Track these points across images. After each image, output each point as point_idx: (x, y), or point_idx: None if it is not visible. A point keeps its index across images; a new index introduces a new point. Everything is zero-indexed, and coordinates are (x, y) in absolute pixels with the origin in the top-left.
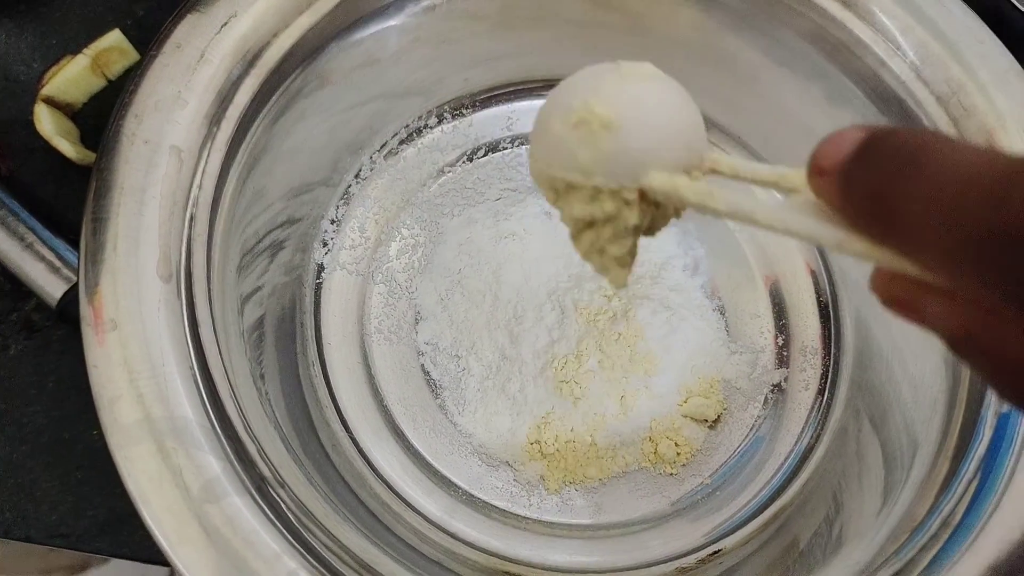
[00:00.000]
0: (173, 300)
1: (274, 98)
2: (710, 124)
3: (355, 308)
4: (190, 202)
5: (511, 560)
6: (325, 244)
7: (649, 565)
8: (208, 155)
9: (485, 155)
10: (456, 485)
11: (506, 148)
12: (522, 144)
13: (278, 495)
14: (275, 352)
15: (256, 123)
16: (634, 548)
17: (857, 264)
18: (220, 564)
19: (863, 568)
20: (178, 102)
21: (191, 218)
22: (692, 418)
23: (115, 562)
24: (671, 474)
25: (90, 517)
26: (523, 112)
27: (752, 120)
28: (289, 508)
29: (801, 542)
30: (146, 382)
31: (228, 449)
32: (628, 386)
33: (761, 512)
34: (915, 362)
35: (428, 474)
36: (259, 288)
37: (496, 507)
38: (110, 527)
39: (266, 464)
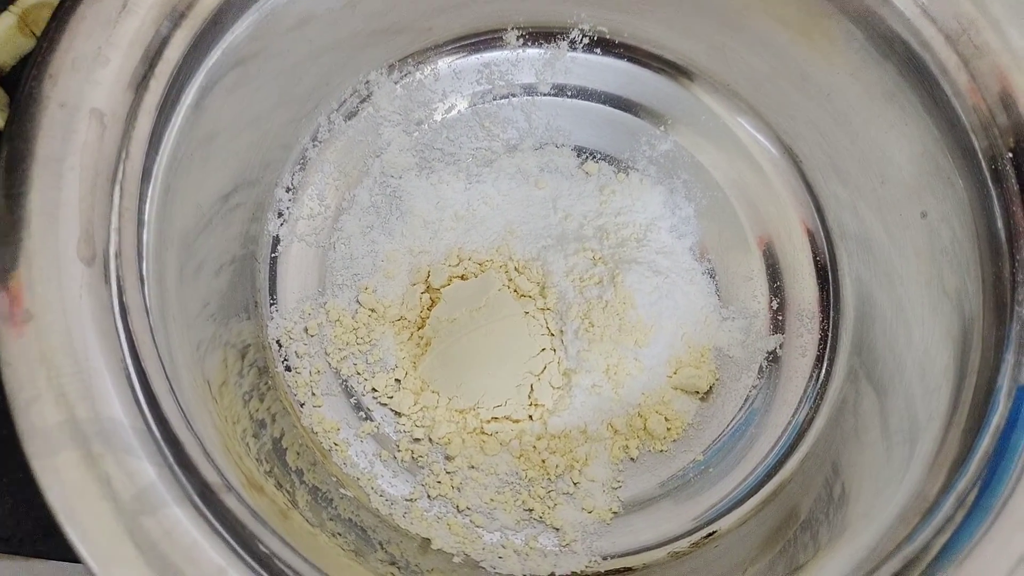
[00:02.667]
0: (98, 285)
1: (213, 54)
2: (697, 70)
3: (315, 283)
4: (117, 173)
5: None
6: (280, 214)
7: (638, 551)
8: (136, 120)
9: (454, 112)
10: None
11: (478, 104)
12: (496, 99)
13: (224, 502)
14: (227, 337)
15: (192, 82)
16: (622, 534)
17: (857, 221)
18: None
19: (871, 553)
20: (98, 60)
21: (119, 191)
22: (683, 390)
23: (61, 566)
24: (661, 451)
25: (33, 519)
26: (496, 63)
27: (742, 66)
28: (237, 516)
29: (801, 512)
30: (68, 379)
31: (166, 453)
32: (617, 359)
33: (758, 490)
34: (921, 327)
35: (396, 462)
36: (204, 267)
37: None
38: (55, 528)
39: (212, 467)
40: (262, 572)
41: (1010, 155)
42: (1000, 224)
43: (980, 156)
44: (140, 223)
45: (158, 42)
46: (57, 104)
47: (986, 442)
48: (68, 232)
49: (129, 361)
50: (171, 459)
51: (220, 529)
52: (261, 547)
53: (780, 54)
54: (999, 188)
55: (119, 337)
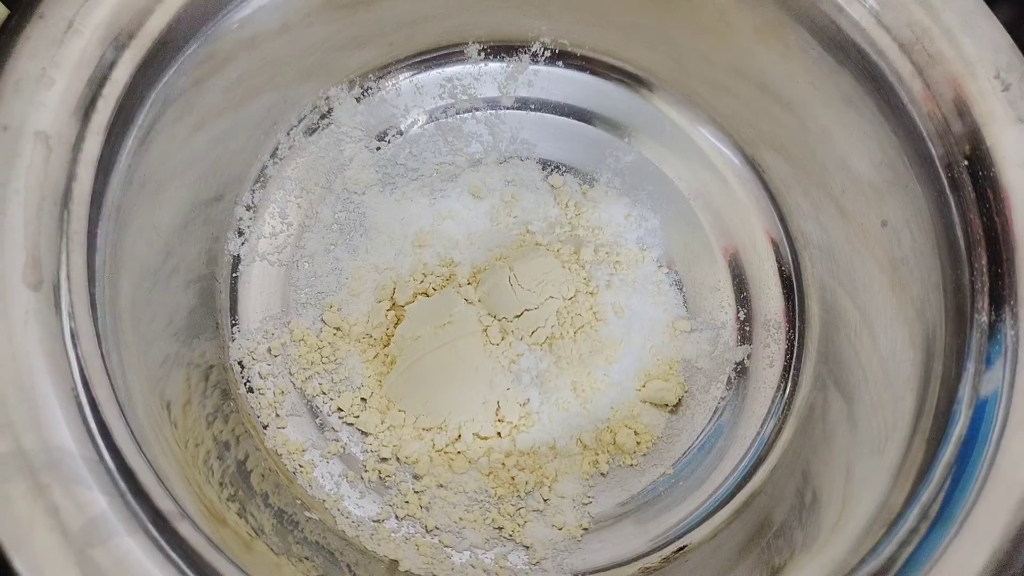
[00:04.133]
0: (46, 311)
1: (163, 74)
2: (658, 81)
3: (278, 302)
4: (65, 197)
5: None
6: (241, 233)
7: (609, 568)
8: (84, 142)
9: (417, 127)
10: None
11: (440, 118)
12: (458, 113)
13: (179, 530)
14: (190, 357)
15: (144, 104)
16: (593, 550)
17: (820, 230)
18: None
19: (838, 566)
20: (43, 81)
21: (67, 215)
22: (652, 403)
23: None
24: (631, 465)
25: None
26: (459, 77)
27: (701, 77)
28: (191, 544)
29: (775, 520)
30: (15, 408)
31: (117, 481)
32: (585, 374)
33: (727, 502)
34: (886, 334)
35: (363, 482)
36: (167, 284)
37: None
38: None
39: (165, 495)
40: None
41: (966, 162)
42: (959, 231)
43: (937, 163)
44: (91, 247)
45: (105, 64)
46: (0, 127)
47: (949, 452)
48: (13, 257)
49: (80, 388)
50: (123, 487)
51: (175, 558)
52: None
53: (738, 63)
54: (956, 195)
55: (69, 364)
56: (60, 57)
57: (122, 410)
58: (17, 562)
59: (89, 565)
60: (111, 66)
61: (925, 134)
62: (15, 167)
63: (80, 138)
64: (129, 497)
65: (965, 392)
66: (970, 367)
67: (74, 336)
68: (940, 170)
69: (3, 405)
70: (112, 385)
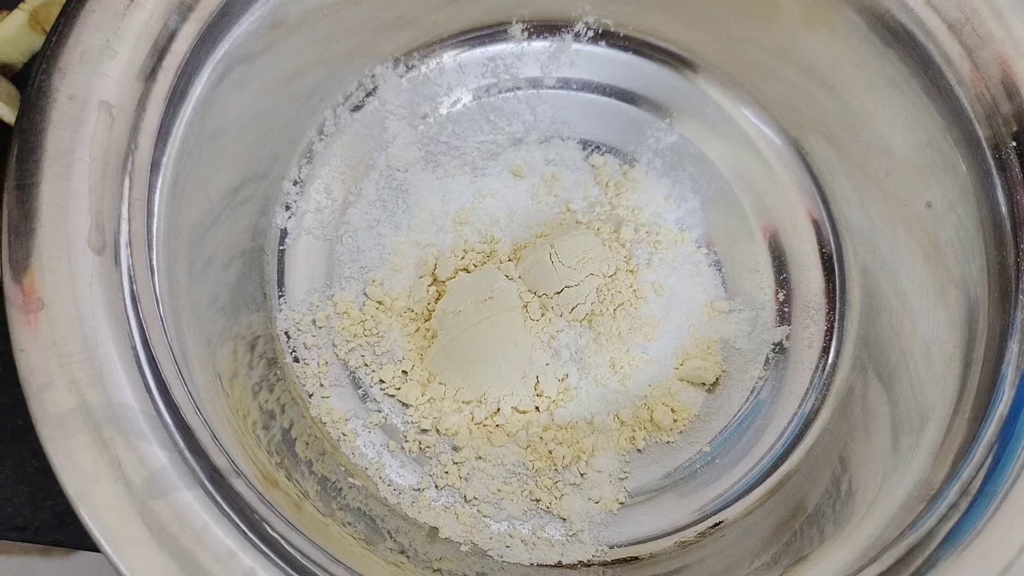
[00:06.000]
0: (109, 274)
1: (220, 47)
2: (701, 62)
3: (323, 275)
4: (126, 164)
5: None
6: (288, 207)
7: (645, 541)
8: (145, 111)
9: (459, 105)
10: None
11: (483, 97)
12: (501, 92)
13: (234, 486)
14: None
15: (200, 75)
16: (629, 523)
17: (863, 212)
18: (167, 565)
19: (875, 541)
20: (107, 52)
21: (128, 182)
22: (689, 382)
23: (78, 554)
24: (668, 442)
25: (49, 508)
26: (502, 56)
27: (746, 58)
28: (246, 500)
29: (808, 504)
30: (79, 366)
31: (176, 438)
32: (624, 352)
33: (764, 480)
34: (927, 316)
35: (404, 452)
36: (214, 260)
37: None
38: (71, 517)
39: (221, 452)
40: (271, 554)
41: (1013, 143)
42: (1004, 212)
43: (984, 144)
44: (150, 213)
45: (166, 35)
46: (66, 97)
47: (991, 430)
48: (79, 222)
49: (140, 348)
50: (181, 444)
51: (230, 512)
52: (270, 530)
53: (784, 45)
54: (1003, 176)
55: (130, 325)
56: (123, 29)
57: (179, 370)
58: (82, 512)
59: (150, 516)
60: (171, 37)
61: (972, 115)
62: (80, 135)
63: (141, 107)
64: (187, 453)
65: (1008, 371)
66: (1013, 347)
67: (135, 298)
68: (987, 151)
69: (69, 363)
70: (170, 346)
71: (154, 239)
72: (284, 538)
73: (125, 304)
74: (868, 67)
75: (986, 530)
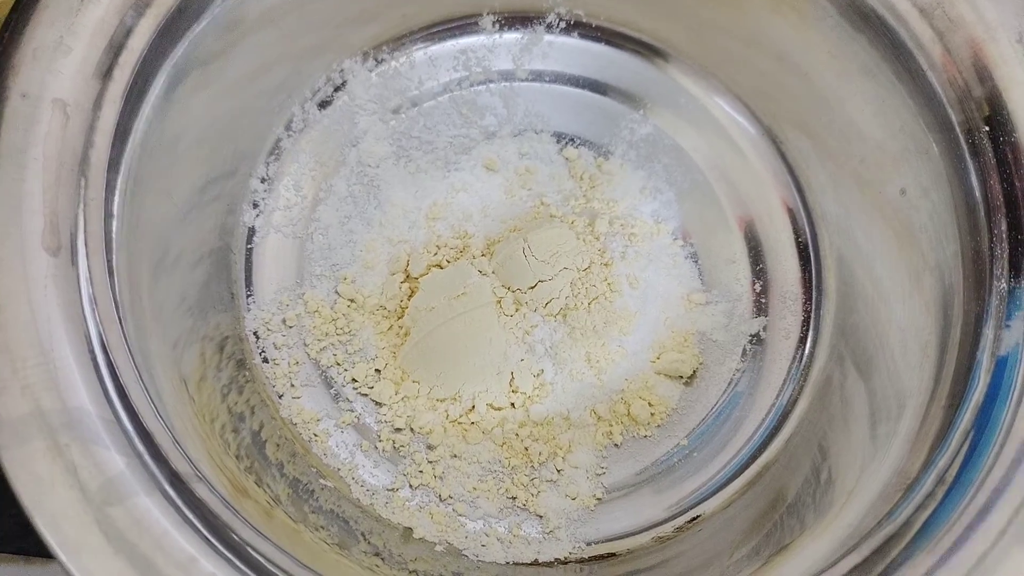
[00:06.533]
0: (65, 275)
1: (180, 44)
2: (674, 52)
3: (293, 274)
4: (82, 164)
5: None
6: (256, 205)
7: (622, 537)
8: (101, 110)
9: (431, 99)
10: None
11: (454, 91)
12: (473, 86)
13: (195, 491)
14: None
15: (160, 73)
16: (606, 520)
17: (836, 200)
18: (125, 572)
19: (854, 530)
20: (60, 49)
21: (84, 181)
22: (666, 375)
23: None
24: (645, 436)
25: (13, 516)
26: (473, 49)
27: (718, 47)
28: (208, 505)
29: (788, 494)
30: (33, 371)
31: (135, 443)
32: (600, 346)
33: (742, 472)
34: (902, 303)
35: (377, 452)
36: (180, 260)
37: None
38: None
39: (182, 457)
40: (234, 560)
41: (986, 127)
42: (978, 196)
43: (957, 129)
44: (108, 214)
45: (123, 31)
46: (19, 95)
47: (966, 417)
48: (32, 223)
49: (97, 351)
50: (140, 449)
51: (191, 518)
52: (233, 535)
53: (755, 33)
54: (976, 160)
55: (87, 327)
56: (77, 25)
57: (139, 374)
58: (37, 520)
59: (107, 523)
60: (128, 34)
61: (944, 100)
62: (34, 134)
63: (97, 106)
64: (146, 458)
65: (984, 358)
66: (988, 333)
67: (92, 300)
68: (960, 136)
69: (23, 367)
70: (129, 349)
71: (113, 240)
72: (248, 543)
73: (82, 306)
74: (839, 53)
75: (963, 519)
